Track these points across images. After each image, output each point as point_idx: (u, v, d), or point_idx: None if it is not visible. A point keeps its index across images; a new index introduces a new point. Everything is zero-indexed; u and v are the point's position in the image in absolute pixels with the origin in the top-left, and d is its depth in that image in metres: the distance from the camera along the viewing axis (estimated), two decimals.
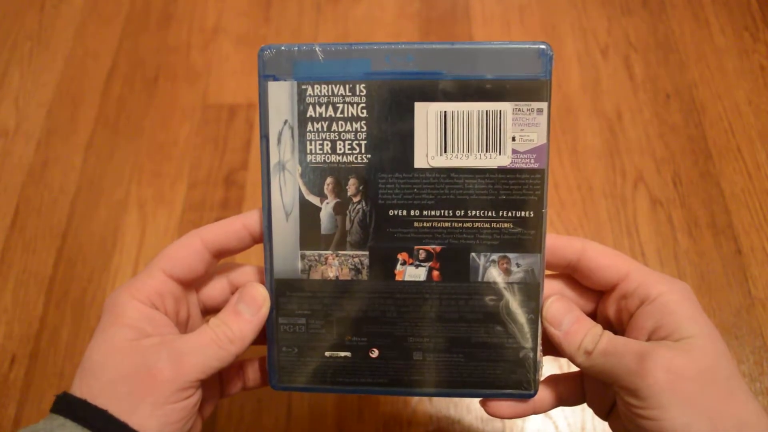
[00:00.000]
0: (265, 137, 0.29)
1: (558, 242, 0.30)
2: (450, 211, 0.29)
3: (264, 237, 0.30)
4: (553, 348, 0.30)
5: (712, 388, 0.25)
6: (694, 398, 0.25)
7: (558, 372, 0.35)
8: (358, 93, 0.29)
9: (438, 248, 0.29)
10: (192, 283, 0.30)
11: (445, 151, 0.29)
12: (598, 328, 0.28)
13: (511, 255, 0.29)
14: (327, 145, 0.29)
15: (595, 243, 0.29)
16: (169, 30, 0.72)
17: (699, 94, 0.63)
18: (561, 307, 0.29)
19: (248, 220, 0.30)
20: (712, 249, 0.54)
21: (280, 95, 0.29)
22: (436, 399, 0.49)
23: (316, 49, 0.28)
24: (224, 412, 0.50)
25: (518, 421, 0.48)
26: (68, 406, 0.24)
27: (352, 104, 0.29)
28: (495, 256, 0.29)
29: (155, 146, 0.64)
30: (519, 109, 0.28)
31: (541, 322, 0.30)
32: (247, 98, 0.66)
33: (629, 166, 0.59)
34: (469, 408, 0.49)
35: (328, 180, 0.29)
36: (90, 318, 0.55)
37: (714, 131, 0.60)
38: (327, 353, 0.30)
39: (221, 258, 0.31)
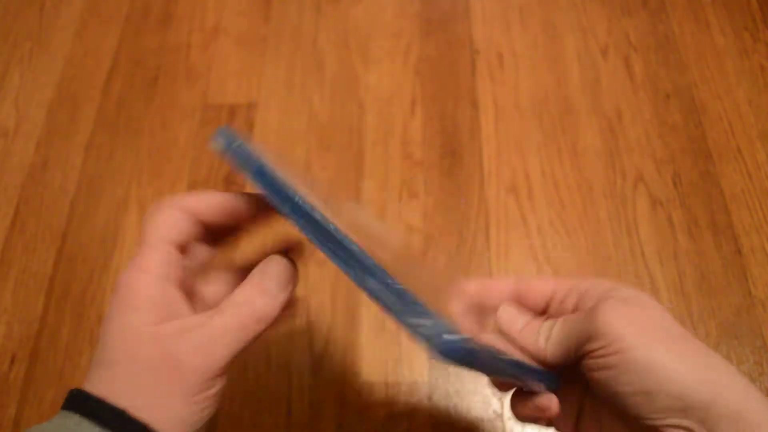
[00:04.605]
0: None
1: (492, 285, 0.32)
2: None
3: None
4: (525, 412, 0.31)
5: (665, 333, 0.26)
6: (649, 329, 0.26)
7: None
8: None
9: None
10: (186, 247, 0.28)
11: None
12: (551, 321, 0.29)
13: None
14: None
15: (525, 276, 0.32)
16: (169, 30, 0.72)
17: (699, 94, 0.63)
18: (513, 311, 0.31)
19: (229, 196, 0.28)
20: (712, 249, 0.54)
21: None
22: (436, 398, 0.49)
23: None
24: (224, 412, 0.50)
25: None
26: (82, 403, 0.23)
27: None
28: None
29: (155, 146, 0.64)
30: None
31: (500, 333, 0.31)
32: (247, 98, 0.66)
33: (629, 166, 0.59)
34: (469, 408, 0.49)
35: None
36: (90, 318, 0.55)
37: (714, 131, 0.60)
38: None
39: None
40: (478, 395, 0.50)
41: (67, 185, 0.62)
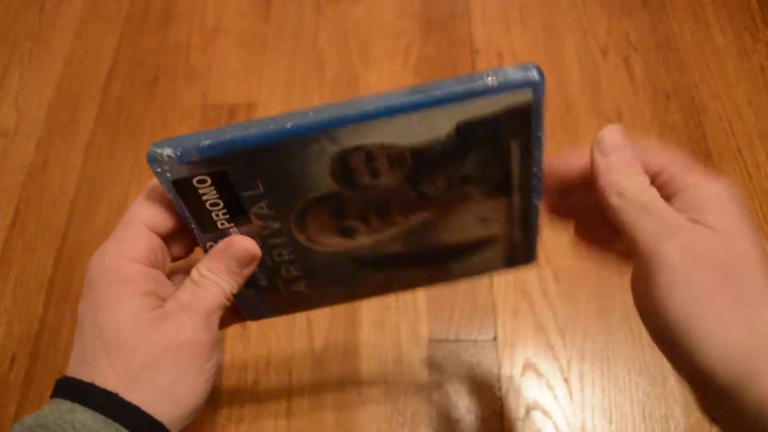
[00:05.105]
0: None
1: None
2: None
3: None
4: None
5: (735, 287, 0.21)
6: (708, 288, 0.21)
7: None
8: None
9: None
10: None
11: None
12: (647, 179, 0.25)
13: None
14: None
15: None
16: (169, 30, 0.72)
17: (699, 94, 0.63)
18: (620, 137, 0.26)
19: None
20: None
21: None
22: (436, 398, 0.49)
23: None
24: (224, 412, 0.50)
25: (518, 421, 0.48)
26: (76, 389, 0.23)
27: None
28: None
29: None
30: None
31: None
32: (247, 98, 0.66)
33: None
34: (468, 408, 0.49)
35: None
36: None
37: (714, 131, 0.60)
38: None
39: None
40: (478, 395, 0.50)
41: (67, 185, 0.62)
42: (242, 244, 0.27)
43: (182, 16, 0.73)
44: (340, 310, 0.54)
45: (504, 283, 0.54)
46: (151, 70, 0.69)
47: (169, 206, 0.27)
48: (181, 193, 0.25)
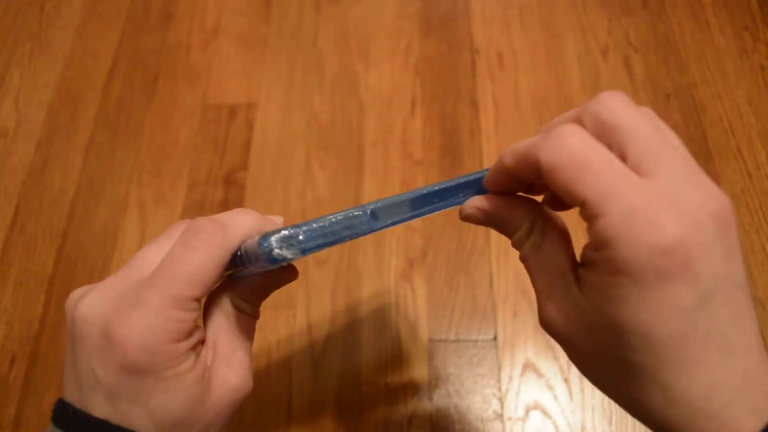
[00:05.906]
0: None
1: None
2: None
3: None
4: None
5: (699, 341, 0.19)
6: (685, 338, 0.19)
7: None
8: None
9: None
10: None
11: None
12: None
13: None
14: None
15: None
16: (169, 30, 0.72)
17: (699, 94, 0.63)
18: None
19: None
20: None
21: None
22: (436, 398, 0.49)
23: None
24: None
25: (518, 421, 0.48)
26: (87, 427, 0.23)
27: None
28: None
29: (155, 146, 0.64)
30: None
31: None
32: (247, 98, 0.66)
33: None
34: (469, 408, 0.49)
35: None
36: None
37: (714, 131, 0.60)
38: None
39: None
40: (478, 395, 0.50)
41: (67, 185, 0.62)
42: (294, 277, 0.28)
43: (182, 16, 0.73)
44: (341, 310, 0.54)
45: (504, 283, 0.54)
46: (151, 70, 0.69)
47: (222, 266, 0.24)
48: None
